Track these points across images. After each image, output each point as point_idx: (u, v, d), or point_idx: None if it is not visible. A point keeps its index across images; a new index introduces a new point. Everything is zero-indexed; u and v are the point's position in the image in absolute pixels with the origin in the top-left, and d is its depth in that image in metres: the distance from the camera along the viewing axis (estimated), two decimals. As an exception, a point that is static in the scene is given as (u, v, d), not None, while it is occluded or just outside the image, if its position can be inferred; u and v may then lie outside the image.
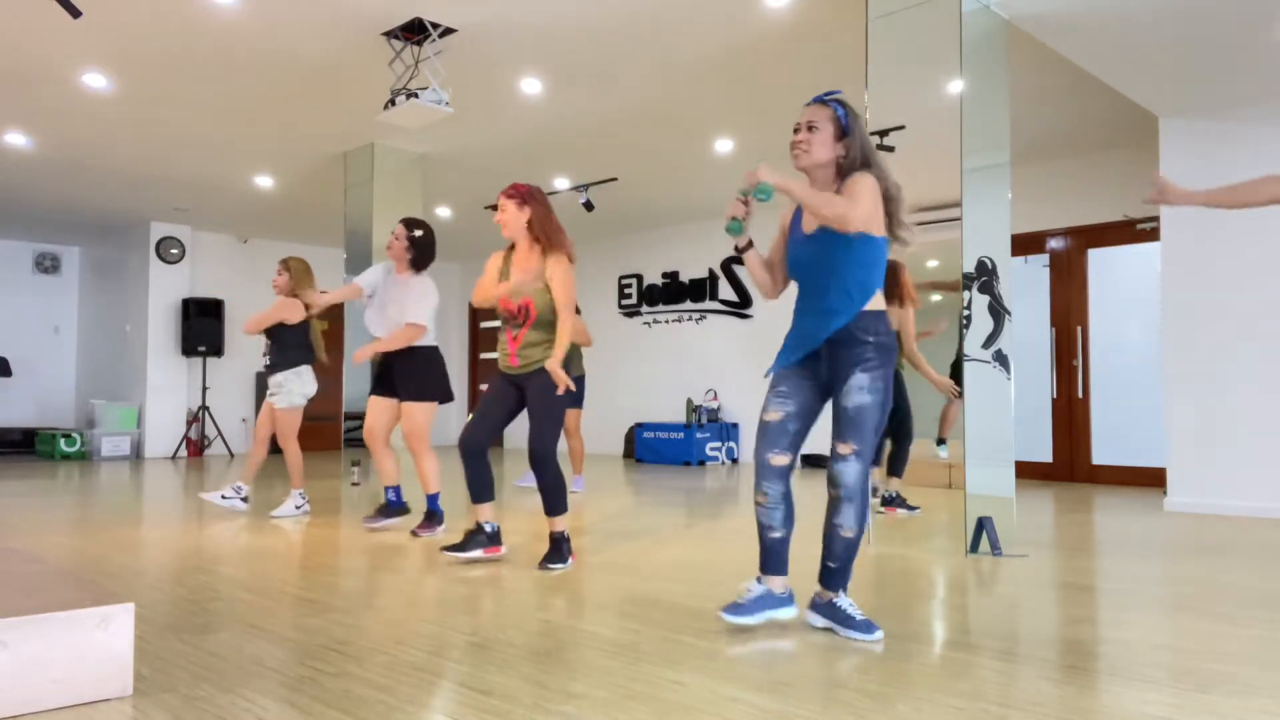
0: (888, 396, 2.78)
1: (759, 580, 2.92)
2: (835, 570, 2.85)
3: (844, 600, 2.84)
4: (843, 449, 2.78)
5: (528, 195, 3.95)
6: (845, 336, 2.78)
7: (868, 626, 2.77)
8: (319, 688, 2.30)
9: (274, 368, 5.49)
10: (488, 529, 4.03)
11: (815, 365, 2.86)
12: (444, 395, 4.96)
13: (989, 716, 2.10)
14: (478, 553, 4.02)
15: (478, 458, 3.94)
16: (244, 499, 5.72)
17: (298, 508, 5.58)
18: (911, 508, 4.54)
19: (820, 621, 2.87)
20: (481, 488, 3.98)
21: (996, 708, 2.16)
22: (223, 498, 5.70)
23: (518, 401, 4.00)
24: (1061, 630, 2.89)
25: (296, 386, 5.50)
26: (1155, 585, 3.61)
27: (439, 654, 2.60)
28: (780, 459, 2.86)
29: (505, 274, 4.01)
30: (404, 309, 4.87)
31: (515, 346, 3.93)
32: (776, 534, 2.90)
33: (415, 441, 4.87)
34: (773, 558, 2.91)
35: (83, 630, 2.17)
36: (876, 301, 2.81)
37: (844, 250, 2.77)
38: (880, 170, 2.81)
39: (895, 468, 4.68)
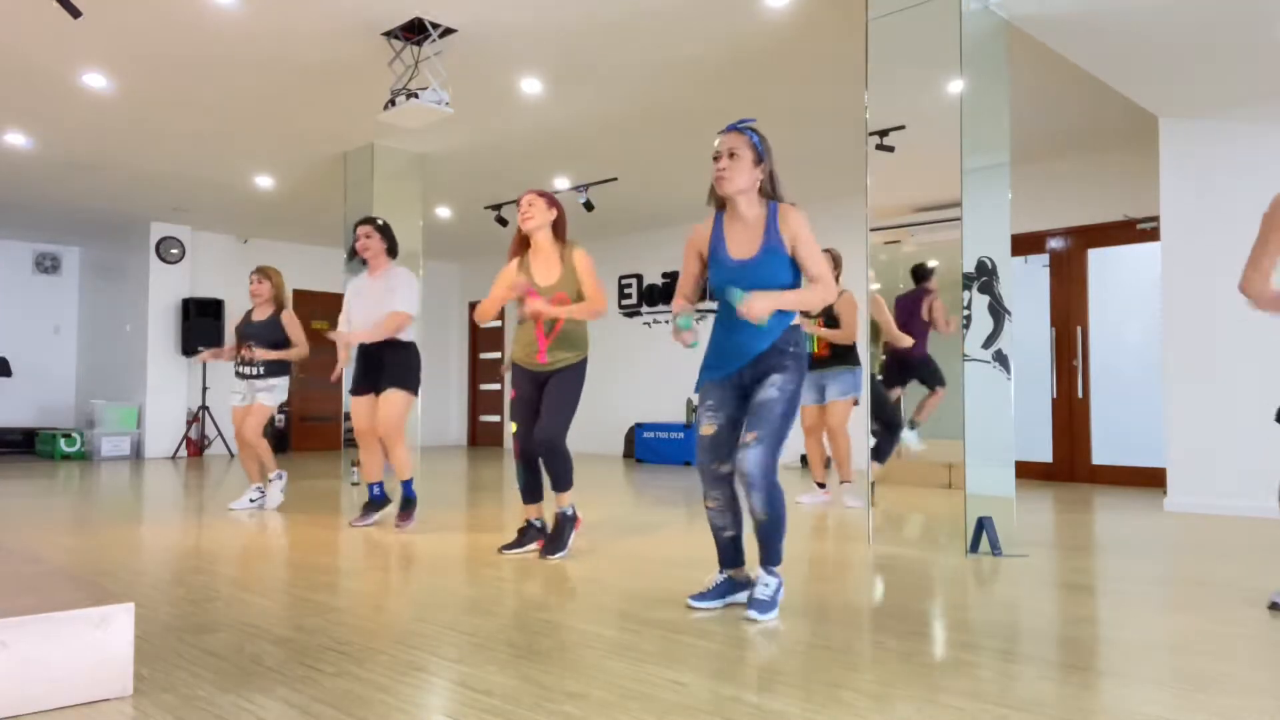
0: (795, 397, 2.98)
1: (720, 572, 3.22)
2: (761, 549, 3.04)
3: (764, 575, 3.03)
4: (747, 437, 2.94)
5: (555, 199, 4.23)
6: (770, 350, 3.00)
7: (760, 606, 2.97)
8: (319, 688, 2.30)
9: (268, 373, 5.80)
10: (537, 524, 4.31)
11: (739, 376, 3.06)
12: (417, 387, 5.11)
13: (989, 716, 2.10)
14: (531, 547, 4.28)
15: (530, 461, 4.21)
16: (264, 494, 5.95)
17: (252, 500, 5.84)
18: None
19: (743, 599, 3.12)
20: (530, 490, 4.26)
21: (996, 708, 2.16)
22: (250, 500, 5.89)
23: (541, 396, 4.17)
24: (1061, 630, 2.89)
25: (282, 391, 5.87)
26: (1155, 585, 3.61)
27: (439, 654, 2.60)
28: (724, 467, 3.09)
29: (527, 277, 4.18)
30: (392, 299, 5.00)
31: (546, 344, 4.11)
32: (729, 533, 3.18)
33: (391, 428, 4.94)
34: (728, 554, 3.21)
35: (82, 630, 2.17)
36: (794, 315, 3.06)
37: (782, 275, 2.98)
38: (783, 192, 3.09)
39: (878, 455, 4.70)
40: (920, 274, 4.58)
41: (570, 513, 4.19)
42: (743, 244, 3.04)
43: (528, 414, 4.16)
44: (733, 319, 3.03)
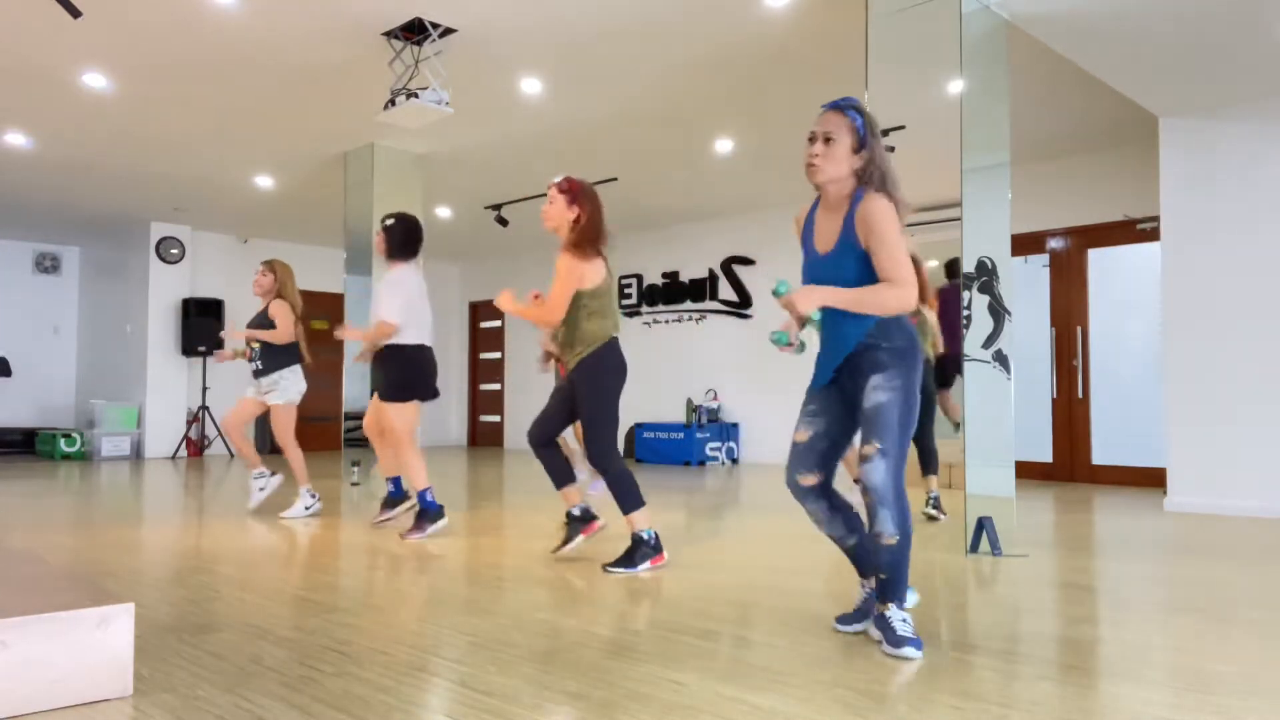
0: (909, 396, 2.65)
1: (863, 585, 2.91)
2: (884, 581, 2.67)
3: (894, 613, 2.64)
4: (867, 449, 2.64)
5: (579, 193, 3.90)
6: (860, 349, 2.72)
7: (900, 642, 2.57)
8: (319, 688, 2.30)
9: (266, 369, 5.56)
10: (575, 513, 4.08)
11: (840, 379, 2.79)
12: (421, 394, 4.86)
13: (989, 716, 2.10)
14: (579, 539, 4.07)
15: (544, 448, 3.96)
16: (272, 474, 5.86)
17: (307, 507, 5.57)
18: (942, 513, 4.55)
19: (875, 634, 2.73)
20: (559, 476, 4.00)
21: (996, 708, 2.15)
22: (260, 490, 5.70)
23: (572, 390, 3.97)
24: (1061, 630, 2.89)
25: (292, 384, 5.58)
26: (1155, 585, 3.61)
27: (439, 654, 2.60)
28: (808, 479, 2.83)
29: None
30: (378, 305, 4.82)
31: (560, 350, 3.98)
32: (849, 541, 2.88)
33: (394, 440, 4.82)
34: (860, 562, 2.91)
35: (83, 630, 2.17)
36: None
37: (862, 267, 2.67)
38: (892, 183, 2.69)
39: (928, 465, 4.69)
40: (955, 269, 4.51)
41: (646, 536, 3.84)
42: (826, 236, 2.75)
43: (549, 401, 3.99)
44: (828, 318, 2.76)
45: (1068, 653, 2.63)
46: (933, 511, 4.63)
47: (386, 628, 2.90)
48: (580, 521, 4.08)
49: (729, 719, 2.08)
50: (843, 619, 2.88)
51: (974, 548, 4.24)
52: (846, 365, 2.75)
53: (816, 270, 2.76)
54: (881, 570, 2.68)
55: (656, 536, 3.88)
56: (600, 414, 3.82)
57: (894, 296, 2.57)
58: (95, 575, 3.71)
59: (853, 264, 2.67)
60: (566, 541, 4.07)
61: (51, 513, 5.79)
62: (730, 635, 2.81)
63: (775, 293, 2.63)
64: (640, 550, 3.83)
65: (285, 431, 5.58)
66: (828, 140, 2.69)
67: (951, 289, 4.57)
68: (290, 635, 2.81)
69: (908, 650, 2.56)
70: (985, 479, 4.36)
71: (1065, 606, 3.23)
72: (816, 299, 2.56)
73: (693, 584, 3.57)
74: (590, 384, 3.83)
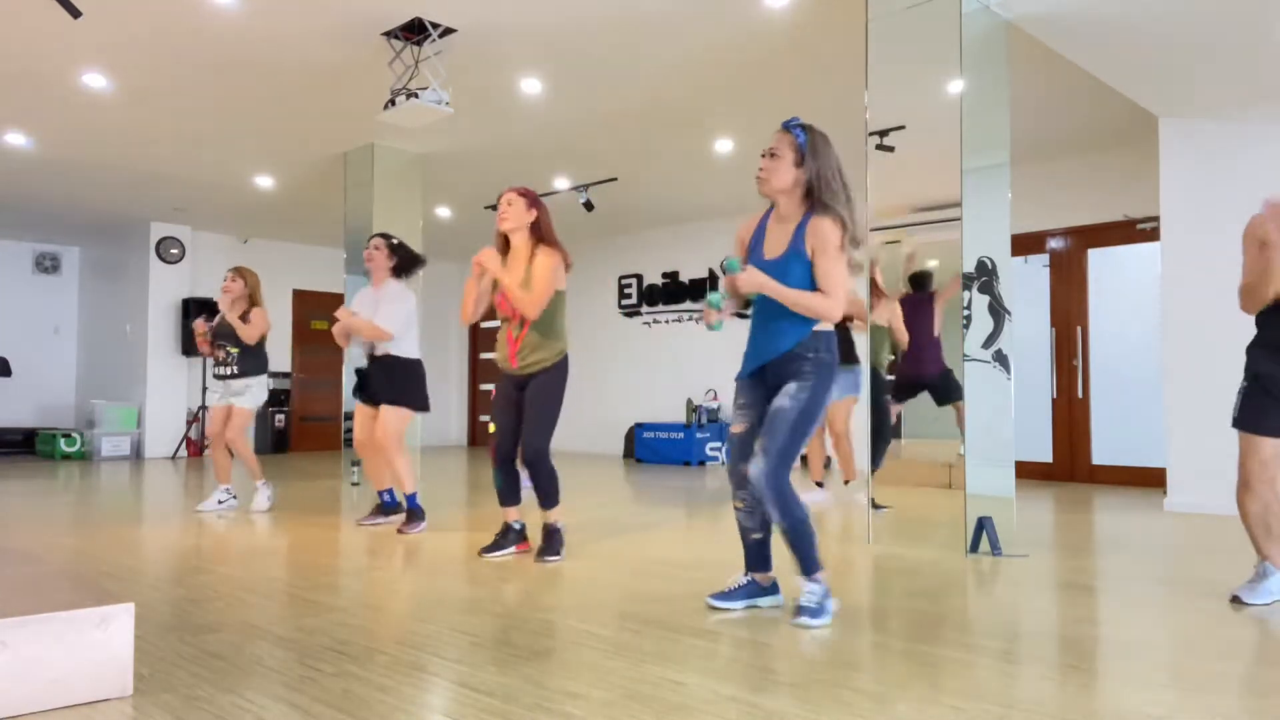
0: (812, 406, 2.89)
1: (744, 574, 3.20)
2: (792, 554, 2.96)
3: (804, 584, 2.95)
4: (757, 446, 2.91)
5: (537, 199, 4.13)
6: (791, 354, 2.94)
7: (798, 611, 2.91)
8: (319, 688, 2.30)
9: (242, 373, 5.75)
10: (516, 527, 4.26)
11: (764, 375, 3.03)
12: (419, 405, 5.09)
13: (989, 716, 2.10)
14: (511, 550, 4.23)
15: (509, 463, 4.15)
16: (234, 497, 5.96)
17: (269, 497, 5.84)
18: (879, 506, 4.61)
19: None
20: (508, 494, 4.20)
21: (996, 708, 2.16)
22: (218, 503, 5.87)
23: (522, 400, 4.11)
24: (1061, 630, 2.89)
25: (259, 391, 5.82)
26: (1155, 585, 3.61)
27: (439, 654, 2.60)
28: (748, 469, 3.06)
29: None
30: (376, 313, 5.04)
31: (515, 349, 4.06)
32: (756, 536, 3.15)
33: (387, 444, 4.97)
34: (754, 556, 3.18)
35: (82, 630, 2.17)
36: (826, 323, 2.95)
37: (798, 282, 2.90)
38: (837, 209, 2.90)
39: (874, 463, 4.74)
40: (921, 281, 4.55)
41: (559, 526, 4.14)
42: (776, 244, 2.99)
43: (506, 418, 4.10)
44: (760, 320, 3.02)
45: (1068, 653, 2.63)
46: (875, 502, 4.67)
47: (386, 628, 2.90)
48: (519, 536, 4.26)
49: (729, 719, 2.08)
50: (718, 595, 3.17)
51: (974, 548, 4.24)
52: (774, 364, 2.97)
53: (762, 271, 2.98)
54: (789, 549, 2.95)
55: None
56: (553, 418, 4.04)
57: (821, 303, 2.86)
58: (95, 575, 3.71)
59: (796, 271, 2.91)
60: (498, 549, 4.21)
61: (51, 513, 5.79)
62: (730, 635, 2.81)
63: (724, 269, 2.93)
64: (556, 537, 4.09)
65: (240, 432, 5.73)
66: (773, 155, 2.94)
67: (916, 299, 4.59)
68: (290, 635, 2.81)
69: (803, 619, 2.88)
70: (985, 479, 4.37)
71: (1065, 606, 3.23)
72: (758, 282, 2.86)
73: (693, 583, 3.57)
74: (551, 392, 4.04)
